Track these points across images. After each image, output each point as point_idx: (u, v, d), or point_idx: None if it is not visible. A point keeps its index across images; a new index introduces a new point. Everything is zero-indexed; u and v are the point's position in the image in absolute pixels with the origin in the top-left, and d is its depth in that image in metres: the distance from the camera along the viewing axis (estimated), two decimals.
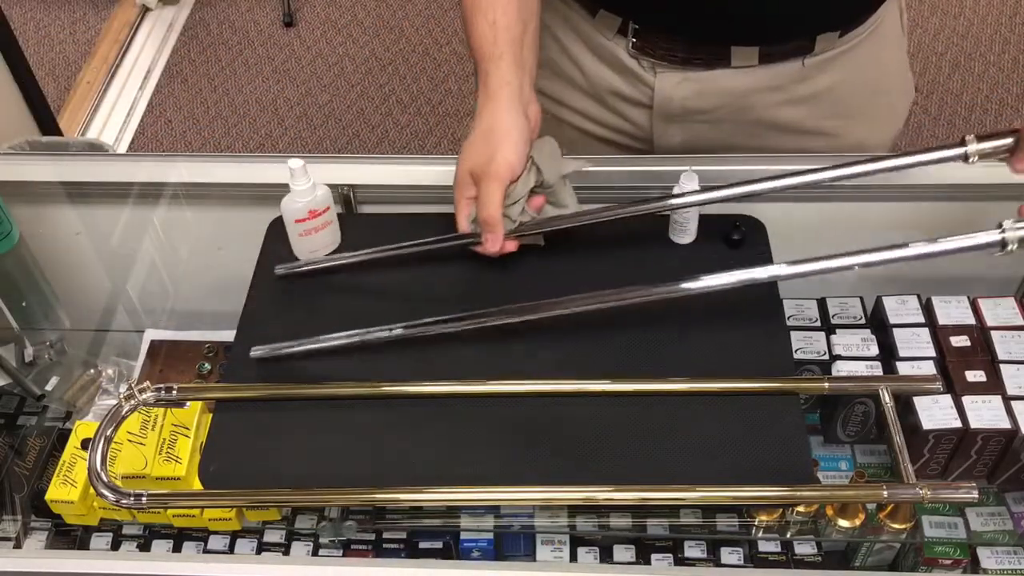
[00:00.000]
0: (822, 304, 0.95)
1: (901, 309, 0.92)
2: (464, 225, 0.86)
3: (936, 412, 0.83)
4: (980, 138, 0.80)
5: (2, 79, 1.87)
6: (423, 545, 0.93)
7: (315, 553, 0.94)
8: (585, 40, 0.97)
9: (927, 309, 0.92)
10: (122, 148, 2.49)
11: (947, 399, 0.84)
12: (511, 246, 0.86)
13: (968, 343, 0.88)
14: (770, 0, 0.87)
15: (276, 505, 0.85)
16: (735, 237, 0.92)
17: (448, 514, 0.90)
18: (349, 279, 0.93)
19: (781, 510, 0.87)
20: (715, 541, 0.91)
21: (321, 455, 0.80)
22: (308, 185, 0.89)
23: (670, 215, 0.92)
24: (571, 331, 0.86)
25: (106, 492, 0.77)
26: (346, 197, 1.02)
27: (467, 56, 2.63)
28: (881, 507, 0.85)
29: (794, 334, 0.91)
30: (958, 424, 0.82)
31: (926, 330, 0.90)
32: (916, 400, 0.83)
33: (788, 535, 0.90)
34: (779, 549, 0.90)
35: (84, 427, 0.92)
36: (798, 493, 0.77)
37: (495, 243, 0.84)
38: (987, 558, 0.88)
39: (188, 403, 0.89)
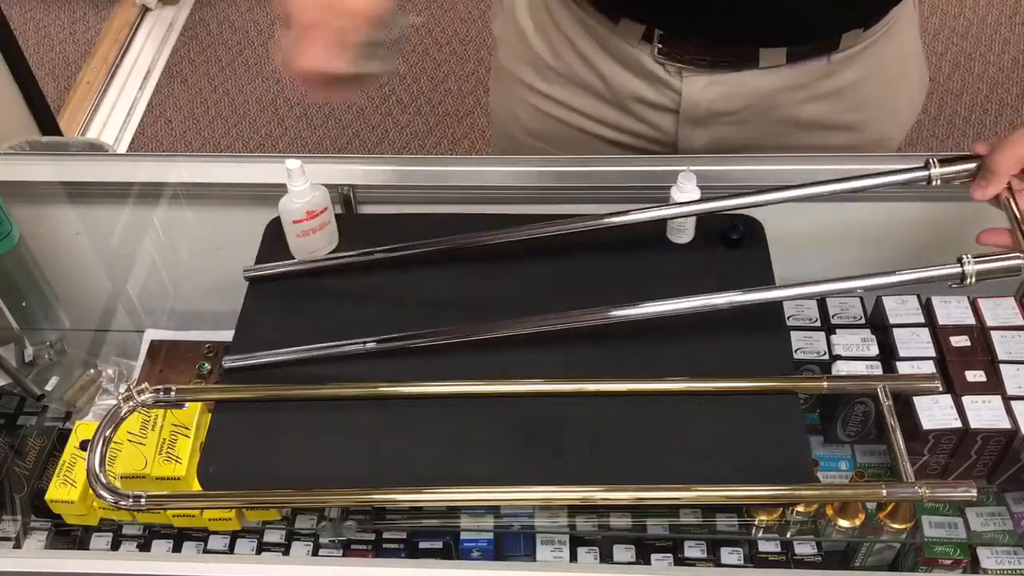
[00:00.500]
0: (822, 304, 0.95)
1: (901, 309, 0.92)
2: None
3: (936, 412, 0.83)
4: (943, 162, 0.82)
5: (2, 79, 1.87)
6: (423, 545, 0.93)
7: (315, 553, 0.94)
8: (607, 48, 0.95)
9: (927, 309, 0.91)
10: (122, 148, 2.49)
11: (947, 399, 0.84)
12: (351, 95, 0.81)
13: (968, 343, 0.88)
14: (799, 0, 0.87)
15: (275, 506, 0.85)
16: (733, 237, 0.92)
17: (448, 514, 0.90)
18: (348, 280, 0.93)
19: (781, 510, 0.87)
20: (715, 541, 0.91)
21: (320, 455, 0.80)
22: (306, 186, 0.89)
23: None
24: (572, 332, 0.86)
25: (105, 493, 0.77)
26: (346, 197, 1.02)
27: (467, 56, 2.63)
28: (881, 507, 0.85)
29: (794, 334, 0.91)
30: (958, 424, 0.82)
31: (926, 330, 0.90)
32: (916, 400, 0.83)
33: (788, 535, 0.90)
34: (779, 549, 0.90)
35: (84, 427, 0.92)
36: (797, 492, 0.78)
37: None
38: (987, 558, 0.87)
39: (187, 404, 0.88)
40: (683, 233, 0.92)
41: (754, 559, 0.91)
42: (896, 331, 0.90)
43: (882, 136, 1.02)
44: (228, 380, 0.86)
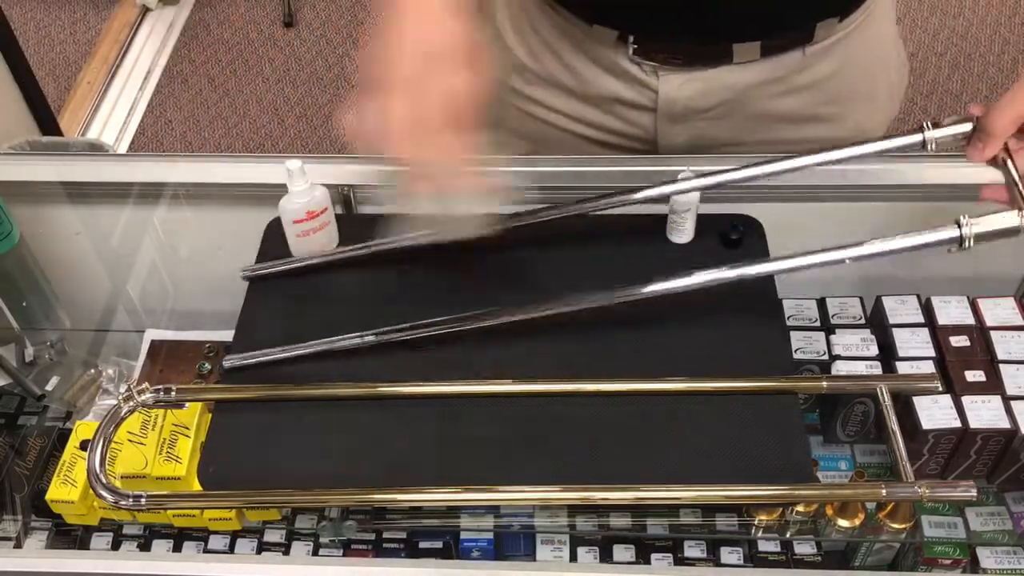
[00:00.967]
0: (821, 304, 0.95)
1: (901, 309, 0.92)
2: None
3: (936, 412, 0.83)
4: (937, 126, 0.80)
5: (2, 79, 1.87)
6: (423, 545, 0.93)
7: (315, 553, 0.94)
8: (583, 50, 0.96)
9: (927, 309, 0.92)
10: (122, 148, 2.49)
11: (947, 399, 0.84)
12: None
13: (968, 343, 0.88)
14: None
15: (275, 506, 0.85)
16: (733, 237, 0.92)
17: (448, 514, 0.90)
18: (349, 280, 0.93)
19: (781, 510, 0.87)
20: (715, 541, 0.91)
21: (320, 455, 0.80)
22: (306, 186, 0.90)
23: (668, 215, 0.92)
24: (571, 331, 0.86)
25: (105, 493, 0.77)
26: (346, 197, 1.02)
27: None
28: (881, 507, 0.85)
29: (794, 334, 0.92)
30: (958, 424, 0.82)
31: (926, 330, 0.90)
32: (916, 400, 0.83)
33: (788, 535, 0.90)
34: (779, 549, 0.91)
35: (84, 427, 0.92)
36: (797, 492, 0.78)
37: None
38: (987, 558, 0.88)
39: (187, 404, 0.89)
40: (683, 233, 0.92)
41: (754, 559, 0.91)
42: (896, 331, 0.90)
43: (861, 128, 1.03)
44: (228, 380, 0.86)
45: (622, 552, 0.92)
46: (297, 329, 0.88)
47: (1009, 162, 0.78)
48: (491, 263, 0.91)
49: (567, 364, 0.84)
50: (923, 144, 0.80)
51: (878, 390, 0.80)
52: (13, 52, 1.90)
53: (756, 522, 0.88)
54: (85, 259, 1.15)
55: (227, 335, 0.92)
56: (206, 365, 1.02)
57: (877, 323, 0.92)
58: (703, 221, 0.92)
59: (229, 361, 0.86)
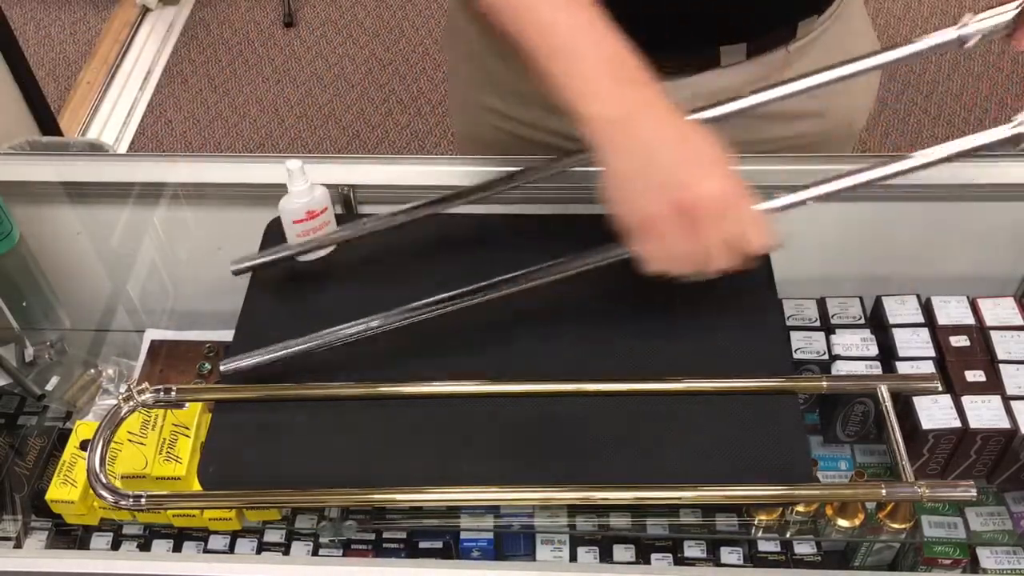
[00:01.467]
0: (821, 304, 0.95)
1: (901, 309, 0.92)
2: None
3: (936, 412, 0.83)
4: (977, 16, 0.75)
5: (2, 79, 1.87)
6: (423, 545, 0.93)
7: (315, 553, 0.94)
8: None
9: (927, 309, 0.92)
10: (122, 148, 2.49)
11: (947, 399, 0.84)
12: None
13: (968, 343, 0.88)
14: None
15: (275, 506, 0.85)
16: None
17: (448, 514, 0.90)
18: (349, 279, 0.93)
19: (780, 510, 0.87)
20: (715, 541, 0.91)
21: (320, 455, 0.80)
22: (306, 186, 0.90)
23: None
24: (570, 331, 0.86)
25: (105, 493, 0.77)
26: (346, 197, 1.02)
27: None
28: (880, 507, 0.85)
29: (793, 334, 0.92)
30: (957, 424, 0.82)
31: (926, 330, 0.90)
32: (916, 400, 0.83)
33: (788, 535, 0.90)
34: (779, 549, 0.91)
35: (84, 427, 0.92)
36: (797, 492, 0.78)
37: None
38: (987, 558, 0.88)
39: (187, 404, 0.89)
40: None
41: (754, 559, 0.91)
42: (896, 331, 0.90)
43: (845, 120, 1.03)
44: (228, 381, 0.86)
45: (622, 552, 0.92)
46: (299, 330, 0.88)
47: None
48: (491, 262, 0.91)
49: (567, 364, 0.84)
50: (959, 41, 0.75)
51: (878, 390, 0.80)
52: (13, 52, 1.90)
53: (756, 522, 0.88)
54: (85, 259, 1.14)
55: (227, 335, 0.92)
56: (206, 365, 1.02)
57: (877, 323, 0.92)
58: None
59: (226, 365, 0.86)
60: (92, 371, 1.05)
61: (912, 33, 2.58)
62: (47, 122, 1.99)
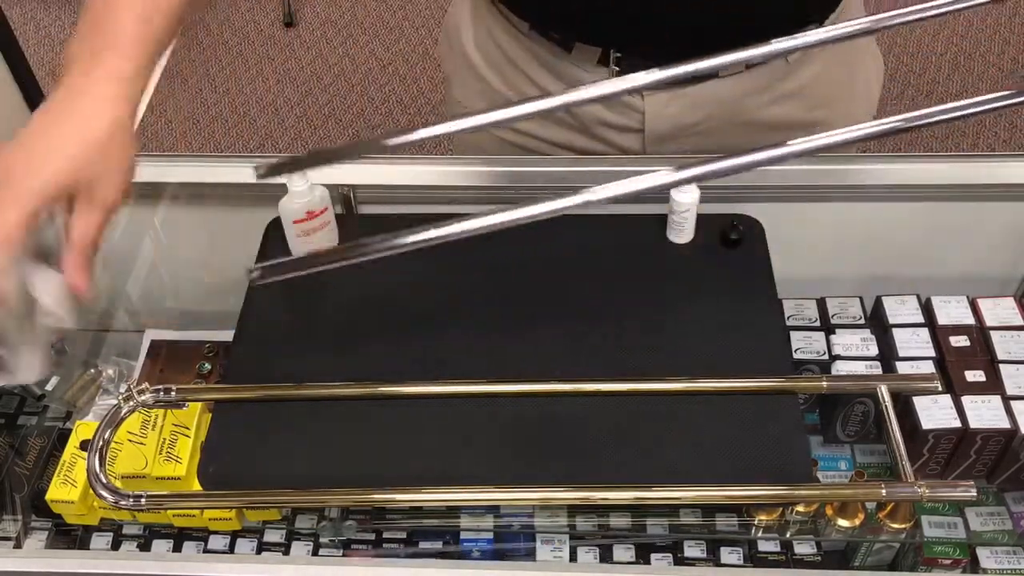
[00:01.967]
0: (821, 304, 0.95)
1: (901, 309, 0.92)
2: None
3: (936, 412, 0.83)
4: None
5: (2, 79, 1.87)
6: (423, 545, 0.93)
7: (315, 553, 0.94)
8: (563, 78, 0.94)
9: (927, 309, 0.92)
10: None
11: (947, 399, 0.84)
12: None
13: (968, 343, 0.88)
14: (753, 6, 0.87)
15: (275, 506, 0.85)
16: (733, 237, 0.92)
17: (448, 514, 0.90)
18: (350, 278, 0.93)
19: (780, 510, 0.87)
20: (715, 541, 0.91)
21: (320, 455, 0.80)
22: (306, 186, 0.90)
23: (668, 215, 0.92)
24: (571, 331, 0.86)
25: (105, 493, 0.77)
26: (346, 197, 1.02)
27: None
28: (880, 507, 0.85)
29: (793, 334, 0.92)
30: (957, 424, 0.82)
31: (926, 330, 0.90)
32: (916, 400, 0.83)
33: (788, 535, 0.90)
34: (779, 549, 0.91)
35: (84, 427, 0.92)
36: (797, 492, 0.78)
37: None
38: (987, 558, 0.88)
39: (187, 404, 0.89)
40: (683, 232, 0.92)
41: (754, 559, 0.91)
42: (896, 331, 0.90)
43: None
44: (239, 376, 0.85)
45: (622, 552, 0.92)
46: (299, 328, 0.88)
47: None
48: (491, 262, 0.91)
49: (567, 364, 0.84)
50: None
51: (878, 390, 0.80)
52: (13, 52, 1.90)
53: (756, 522, 0.88)
54: None
55: (227, 335, 0.92)
56: (206, 365, 1.02)
57: (877, 323, 0.92)
58: (703, 221, 0.92)
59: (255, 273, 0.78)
60: (92, 371, 1.05)
61: (908, 42, 2.58)
62: None
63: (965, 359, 0.87)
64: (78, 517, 0.89)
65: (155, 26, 0.70)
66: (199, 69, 2.71)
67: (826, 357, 0.90)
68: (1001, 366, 0.86)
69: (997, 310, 0.90)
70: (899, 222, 1.03)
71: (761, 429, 0.79)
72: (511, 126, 1.02)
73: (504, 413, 0.81)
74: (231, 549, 0.95)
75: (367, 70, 2.67)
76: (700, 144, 0.98)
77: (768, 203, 0.97)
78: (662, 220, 0.93)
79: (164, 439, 0.87)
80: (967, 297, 0.92)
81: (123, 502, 0.77)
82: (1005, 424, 0.82)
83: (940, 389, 0.81)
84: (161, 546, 0.95)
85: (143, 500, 0.78)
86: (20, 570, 0.79)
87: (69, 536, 0.95)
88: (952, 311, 0.91)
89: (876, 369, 0.88)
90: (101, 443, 0.78)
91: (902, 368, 0.87)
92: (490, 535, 0.91)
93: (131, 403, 0.80)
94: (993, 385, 0.85)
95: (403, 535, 0.93)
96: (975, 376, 0.85)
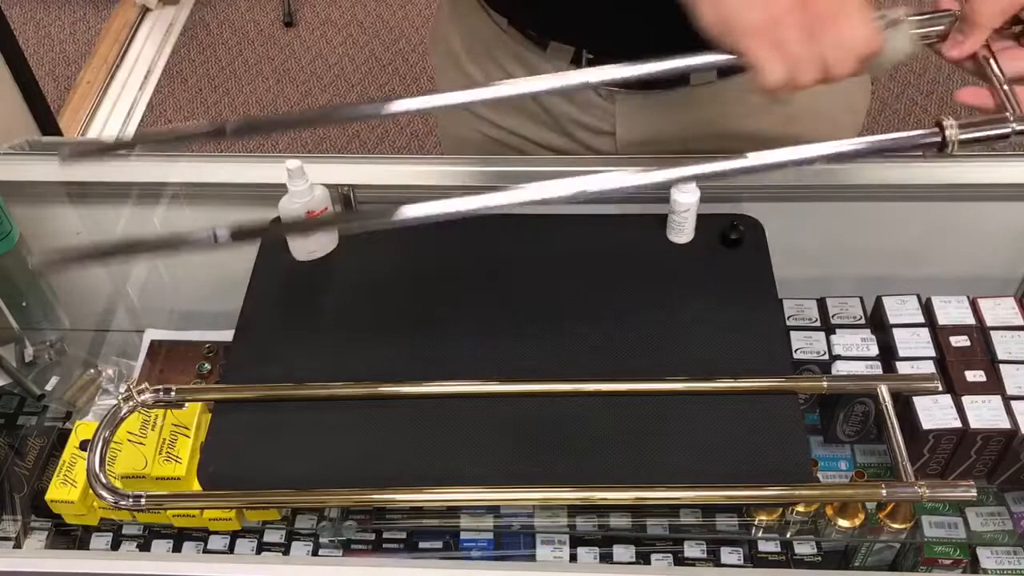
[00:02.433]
0: (822, 304, 0.95)
1: (901, 309, 0.92)
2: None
3: (936, 412, 0.83)
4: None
5: (2, 79, 1.87)
6: (423, 545, 0.93)
7: (315, 553, 0.94)
8: (538, 74, 0.95)
9: (927, 309, 0.92)
10: None
11: (947, 399, 0.84)
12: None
13: (968, 343, 0.88)
14: None
15: (275, 506, 0.85)
16: (733, 237, 0.92)
17: (448, 514, 0.90)
18: (348, 278, 0.93)
19: (781, 510, 0.87)
20: (715, 541, 0.91)
21: (320, 455, 0.80)
22: (306, 186, 0.90)
23: (668, 215, 0.92)
24: (571, 331, 0.86)
25: (105, 493, 0.77)
26: (346, 197, 1.02)
27: None
28: (881, 507, 0.85)
29: (794, 334, 0.91)
30: (958, 424, 0.82)
31: (926, 330, 0.90)
32: (916, 400, 0.83)
33: (788, 535, 0.90)
34: (779, 549, 0.91)
35: (84, 427, 0.92)
36: (797, 492, 0.78)
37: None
38: (987, 558, 0.88)
39: (187, 404, 0.89)
40: (683, 233, 0.92)
41: (754, 559, 0.91)
42: (896, 331, 0.90)
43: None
44: (239, 376, 0.86)
45: (622, 552, 0.92)
46: (299, 328, 0.88)
47: (992, 61, 0.68)
48: (491, 262, 0.91)
49: (567, 364, 0.84)
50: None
51: (878, 390, 0.80)
52: (13, 52, 1.90)
53: (756, 522, 0.88)
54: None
55: (227, 335, 0.92)
56: (206, 365, 1.02)
57: (877, 323, 0.92)
58: (703, 221, 0.92)
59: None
60: (92, 371, 1.05)
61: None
62: (47, 122, 1.99)
63: (965, 359, 0.87)
64: (78, 517, 0.89)
65: None
66: (199, 69, 2.71)
67: (826, 357, 0.90)
68: (1001, 366, 0.86)
69: (997, 310, 0.90)
70: (899, 222, 1.03)
71: (761, 429, 0.79)
72: (493, 122, 1.02)
73: (504, 413, 0.81)
74: (231, 549, 0.95)
75: (367, 70, 2.67)
76: (673, 152, 0.98)
77: (768, 203, 0.97)
78: (662, 220, 0.93)
79: (164, 439, 0.87)
80: (967, 297, 0.92)
81: (123, 502, 0.77)
82: (1005, 424, 0.82)
83: (940, 389, 0.81)
84: (161, 546, 0.95)
85: (143, 500, 0.78)
86: (20, 570, 0.79)
87: (69, 536, 0.95)
88: (952, 311, 0.91)
89: (876, 369, 0.88)
90: (101, 443, 0.78)
91: (902, 368, 0.87)
92: (490, 535, 0.91)
93: (131, 403, 0.80)
94: (993, 385, 0.85)
95: (403, 535, 0.93)
96: (975, 376, 0.85)
